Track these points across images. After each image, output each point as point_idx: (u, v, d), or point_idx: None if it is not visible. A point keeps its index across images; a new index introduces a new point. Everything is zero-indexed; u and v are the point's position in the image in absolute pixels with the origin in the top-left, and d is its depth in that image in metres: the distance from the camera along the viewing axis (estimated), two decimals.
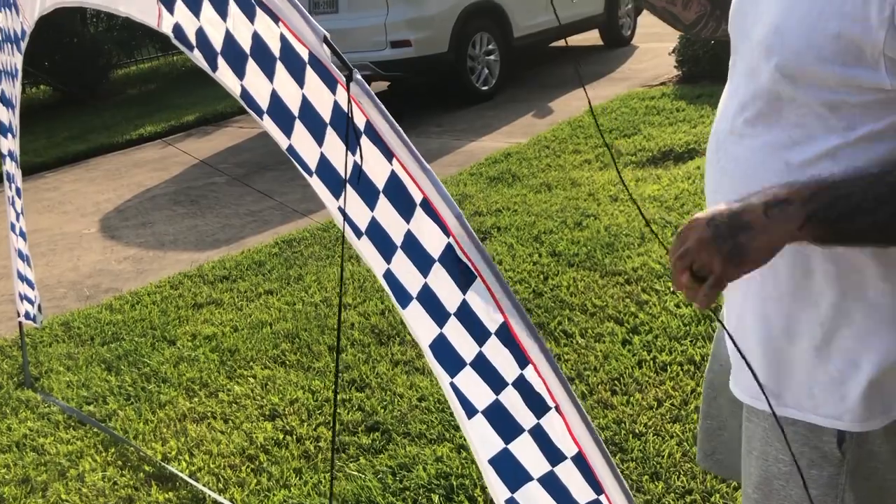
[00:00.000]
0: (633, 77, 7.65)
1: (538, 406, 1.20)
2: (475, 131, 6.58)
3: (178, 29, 1.52)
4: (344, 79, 1.21)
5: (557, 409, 1.18)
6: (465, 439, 2.56)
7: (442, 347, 1.32)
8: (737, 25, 1.05)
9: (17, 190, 3.13)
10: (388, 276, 1.37)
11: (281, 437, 2.79)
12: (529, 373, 1.18)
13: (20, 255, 3.26)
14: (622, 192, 4.57)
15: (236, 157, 6.86)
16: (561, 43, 9.03)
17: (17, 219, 3.19)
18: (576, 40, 9.47)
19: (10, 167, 3.09)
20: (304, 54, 1.27)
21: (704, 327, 3.04)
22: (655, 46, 8.83)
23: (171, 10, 1.51)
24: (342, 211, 1.34)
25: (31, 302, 3.35)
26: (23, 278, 3.33)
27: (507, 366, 1.22)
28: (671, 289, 3.39)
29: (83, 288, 4.48)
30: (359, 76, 1.21)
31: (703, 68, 6.74)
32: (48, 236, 5.43)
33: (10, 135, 3.04)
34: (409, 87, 8.16)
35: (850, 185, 0.85)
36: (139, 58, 12.46)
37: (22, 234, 3.22)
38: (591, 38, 9.45)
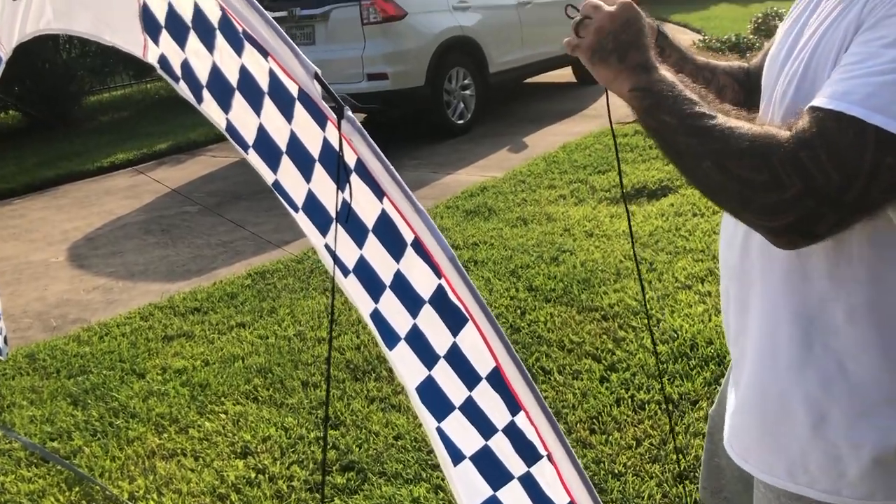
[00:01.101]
0: (605, 114, 7.73)
1: (529, 454, 1.17)
2: (451, 164, 6.60)
3: (163, 60, 1.49)
4: (335, 116, 1.19)
5: (549, 457, 1.15)
6: (443, 479, 2.51)
7: (430, 391, 1.29)
8: (766, 96, 1.09)
9: None
10: (376, 315, 1.33)
11: (253, 475, 2.72)
12: (521, 420, 1.15)
13: None
14: (597, 228, 4.58)
15: (209, 187, 6.80)
16: (537, 79, 9.13)
17: None
18: (550, 77, 9.57)
19: None
20: (294, 90, 1.25)
21: (682, 365, 3.03)
22: None
23: (156, 41, 1.48)
24: (329, 249, 1.31)
25: None
26: None
27: (497, 412, 1.19)
28: (648, 326, 3.39)
29: (49, 318, 4.37)
30: (349, 113, 1.19)
31: None
32: (14, 265, 5.31)
33: None
34: (386, 120, 8.17)
35: (681, 104, 0.94)
36: (112, 85, 12.36)
37: None
38: (565, 75, 9.57)
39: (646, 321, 3.42)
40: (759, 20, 8.36)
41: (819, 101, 0.86)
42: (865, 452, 0.98)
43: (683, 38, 10.95)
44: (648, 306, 3.55)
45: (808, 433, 1.02)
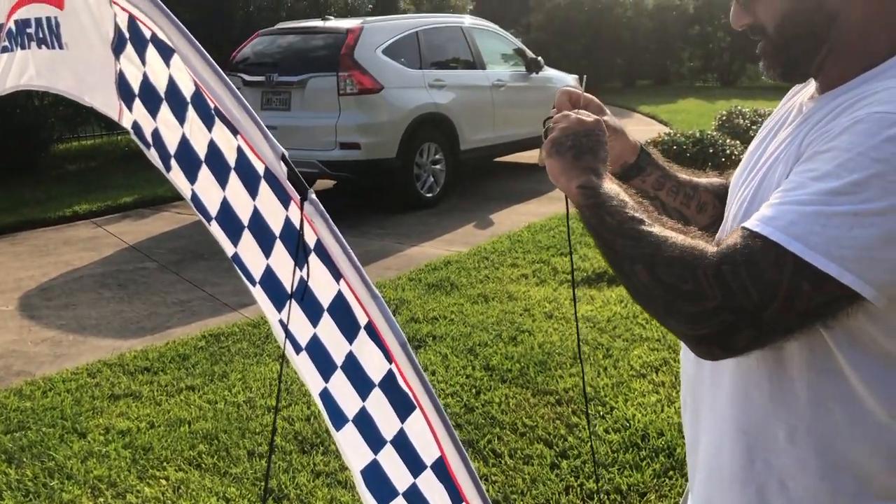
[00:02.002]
0: None
1: None
2: (417, 236, 6.64)
3: (136, 126, 1.51)
4: (298, 196, 1.21)
5: None
6: None
7: (374, 475, 1.27)
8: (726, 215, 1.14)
9: None
10: (325, 395, 1.33)
11: None
12: None
13: None
14: (556, 310, 4.62)
15: (171, 243, 6.74)
16: (507, 158, 9.31)
17: None
18: (519, 157, 9.77)
19: None
20: (260, 168, 1.27)
21: (632, 455, 3.04)
22: None
23: (129, 108, 1.50)
24: (283, 325, 1.31)
25: None
26: None
27: (440, 501, 1.18)
28: (601, 413, 3.39)
29: None
30: (313, 196, 1.21)
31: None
32: None
33: None
34: (355, 189, 8.25)
35: (620, 208, 0.99)
36: (83, 134, 12.31)
37: None
38: (535, 156, 9.76)
39: (600, 407, 3.43)
40: (724, 117, 8.67)
41: (750, 222, 0.90)
42: None
43: (651, 129, 11.29)
44: (602, 393, 3.57)
45: None
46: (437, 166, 7.74)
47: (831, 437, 0.97)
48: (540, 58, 9.11)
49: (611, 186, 1.05)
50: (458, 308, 4.75)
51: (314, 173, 7.09)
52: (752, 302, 0.86)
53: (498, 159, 9.26)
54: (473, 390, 3.66)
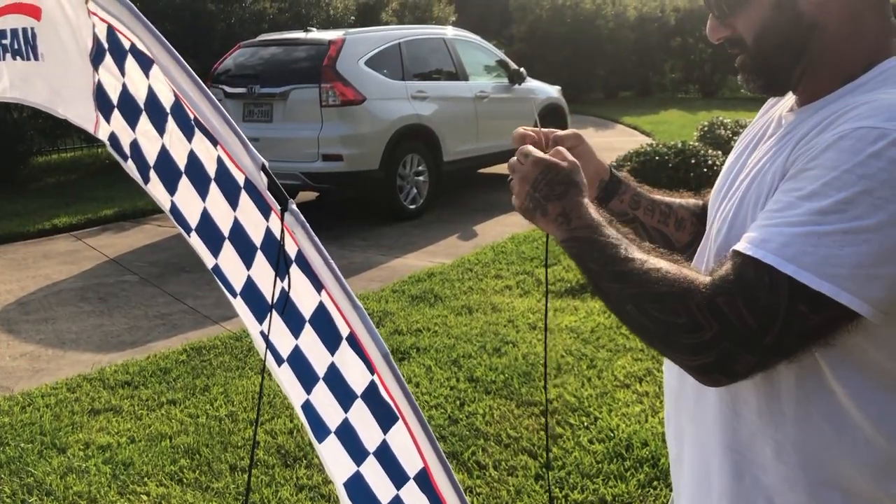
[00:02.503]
0: None
1: None
2: (400, 248, 6.63)
3: (113, 138, 1.49)
4: (279, 207, 1.20)
5: None
6: None
7: (357, 487, 1.26)
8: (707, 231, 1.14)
9: None
10: (307, 407, 1.32)
11: None
12: None
13: None
14: (540, 321, 4.62)
15: (152, 256, 6.69)
16: (490, 169, 9.33)
17: None
18: (502, 169, 9.79)
19: None
20: (241, 179, 1.26)
21: (616, 465, 3.03)
22: None
23: (107, 119, 1.49)
24: (265, 336, 1.30)
25: None
26: None
27: None
28: (585, 423, 3.39)
29: None
30: (293, 206, 1.21)
31: None
32: None
33: None
34: (338, 201, 8.23)
35: (602, 251, 0.98)
36: (63, 147, 12.21)
37: None
38: None
39: (584, 418, 3.43)
40: (706, 128, 8.72)
41: (740, 245, 0.90)
42: None
43: (633, 140, 11.36)
44: (586, 403, 3.57)
45: None
46: (421, 178, 7.74)
47: (818, 453, 0.97)
48: (522, 69, 9.15)
49: (585, 224, 1.02)
50: (442, 320, 4.74)
51: (297, 185, 7.06)
52: (751, 329, 0.86)
53: (481, 171, 9.27)
54: (457, 402, 3.65)
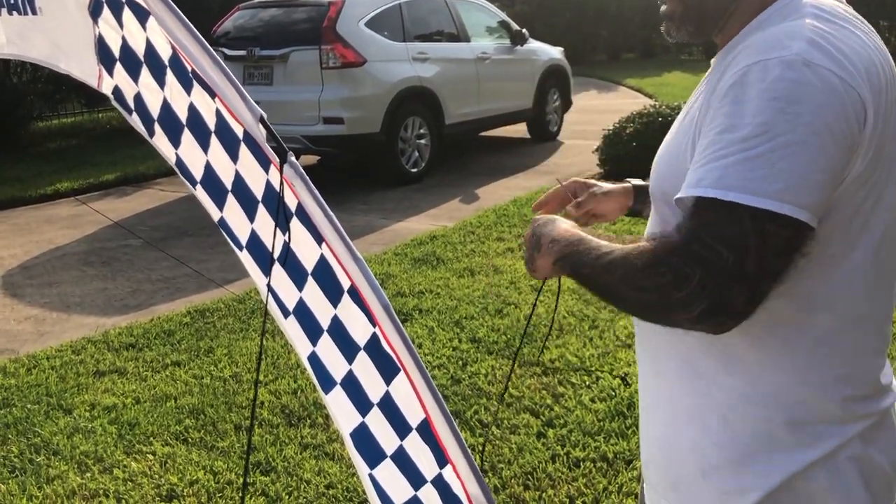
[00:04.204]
0: (557, 171, 7.89)
1: None
2: (402, 212, 6.62)
3: (117, 91, 1.48)
4: (278, 159, 1.19)
5: None
6: None
7: (363, 437, 1.27)
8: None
9: None
10: (313, 359, 1.32)
11: None
12: (448, 473, 1.15)
13: None
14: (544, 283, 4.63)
15: (155, 221, 6.69)
16: (492, 132, 9.28)
17: None
18: (504, 132, 9.74)
19: None
20: (239, 131, 1.25)
21: (618, 424, 3.06)
22: (580, 143, 9.17)
23: (110, 73, 1.47)
24: (269, 288, 1.30)
25: None
26: None
27: (426, 463, 1.18)
28: (587, 382, 3.41)
29: None
30: (293, 158, 1.20)
31: (625, 167, 7.00)
32: None
33: None
34: (339, 164, 8.20)
35: (588, 254, 1.06)
36: (63, 112, 12.15)
37: None
38: (519, 130, 9.74)
39: (585, 378, 3.45)
40: None
41: (682, 191, 0.96)
42: (750, 497, 1.06)
43: (636, 102, 11.28)
44: (588, 363, 3.59)
45: (699, 477, 1.10)
46: (422, 141, 7.70)
47: (766, 369, 1.04)
48: (525, 30, 9.05)
49: (570, 241, 1.11)
50: (444, 282, 4.75)
51: (298, 149, 7.02)
52: (729, 260, 0.90)
53: (483, 133, 9.22)
54: (460, 362, 3.67)
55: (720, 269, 0.90)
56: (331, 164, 8.34)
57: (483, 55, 8.35)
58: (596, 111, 11.55)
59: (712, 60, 1.14)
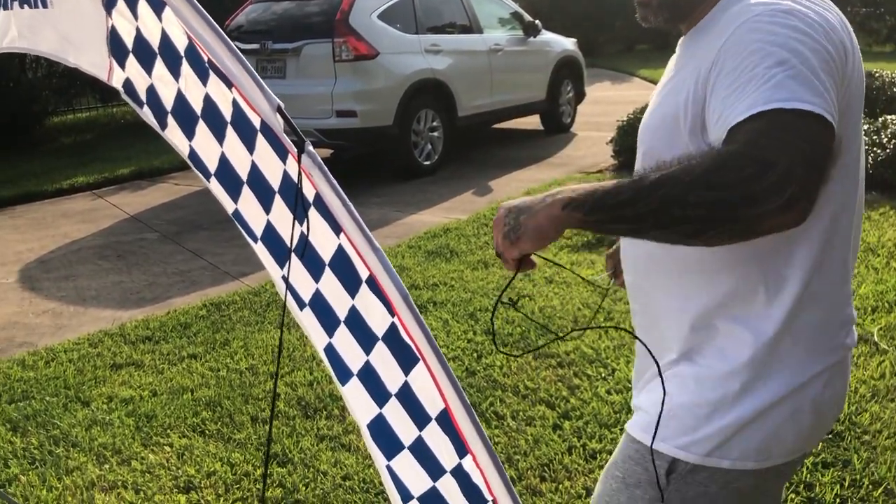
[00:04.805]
0: (570, 163, 7.86)
1: (476, 498, 1.16)
2: (415, 204, 6.61)
3: (128, 84, 1.48)
4: (295, 149, 1.18)
5: (494, 502, 1.14)
6: None
7: (380, 428, 1.27)
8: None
9: None
10: (329, 350, 1.32)
11: None
12: (468, 463, 1.14)
13: None
14: (557, 275, 4.62)
15: (170, 214, 6.72)
16: (505, 124, 9.25)
17: None
18: (517, 124, 9.71)
19: None
20: (256, 122, 1.25)
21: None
22: (594, 135, 9.12)
23: (122, 65, 1.47)
24: (286, 280, 1.30)
25: None
26: None
27: (445, 453, 1.17)
28: (603, 375, 3.40)
29: None
30: (310, 148, 1.19)
31: None
32: None
33: None
34: (352, 157, 8.20)
35: (618, 186, 1.02)
36: (77, 107, 12.21)
37: None
38: (532, 122, 9.70)
39: (601, 369, 3.44)
40: None
41: (743, 114, 0.99)
42: (732, 413, 1.17)
43: (650, 93, 11.19)
44: (604, 355, 3.57)
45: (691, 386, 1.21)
46: (435, 133, 7.68)
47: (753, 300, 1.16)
48: (537, 21, 9.01)
49: (576, 186, 1.08)
50: (459, 274, 4.75)
51: (311, 142, 7.02)
52: (806, 150, 0.94)
53: (496, 126, 9.19)
54: (475, 354, 3.67)
55: (802, 156, 0.93)
56: (344, 157, 8.34)
57: (496, 47, 8.32)
58: (610, 102, 11.48)
59: (679, 46, 1.24)
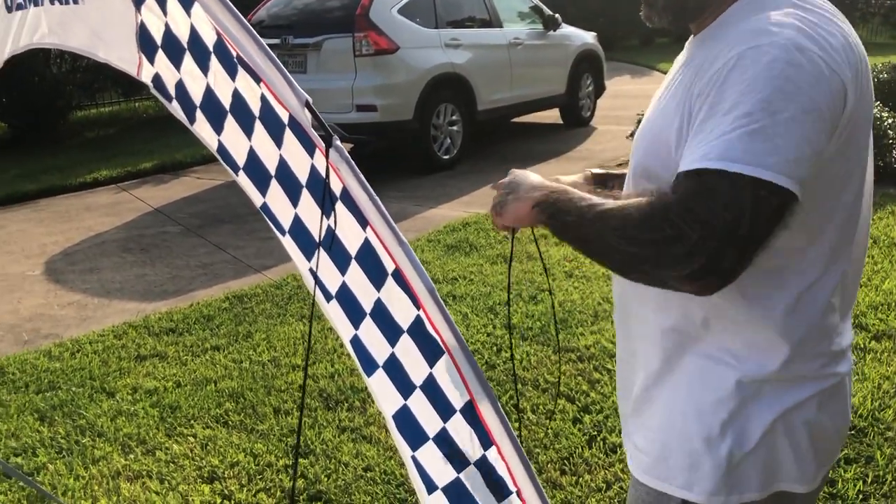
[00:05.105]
0: (590, 157, 7.84)
1: (499, 489, 1.17)
2: (434, 199, 6.63)
3: (157, 79, 1.50)
4: (323, 144, 1.20)
5: (518, 493, 1.15)
6: None
7: (405, 420, 1.29)
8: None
9: None
10: (355, 342, 1.34)
11: (218, 501, 2.69)
12: (493, 455, 1.16)
13: None
14: (577, 269, 4.62)
15: (192, 208, 6.78)
16: (524, 118, 9.24)
17: None
18: (536, 118, 9.69)
19: None
20: (285, 116, 1.26)
21: None
22: (614, 129, 9.09)
23: (151, 61, 1.50)
24: (313, 273, 1.31)
25: None
26: None
27: (470, 445, 1.19)
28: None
29: (21, 332, 4.32)
30: (338, 143, 1.21)
31: None
32: None
33: None
34: (372, 152, 8.22)
35: (576, 203, 1.08)
36: (101, 101, 12.33)
37: None
38: (552, 116, 9.68)
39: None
40: None
41: (688, 165, 0.99)
42: (723, 448, 1.14)
43: None
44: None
45: (682, 429, 1.18)
46: (454, 128, 7.69)
47: (738, 330, 1.14)
48: (557, 15, 8.98)
49: (555, 189, 1.14)
50: (478, 268, 4.76)
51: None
52: (727, 223, 0.94)
53: (515, 120, 9.18)
54: (495, 348, 3.68)
55: (718, 230, 0.94)
56: (365, 151, 8.37)
57: (515, 41, 8.31)
58: (629, 96, 11.43)
59: (687, 45, 1.21)
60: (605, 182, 1.45)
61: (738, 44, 1.01)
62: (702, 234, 0.94)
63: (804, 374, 1.14)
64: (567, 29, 9.22)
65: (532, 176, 1.23)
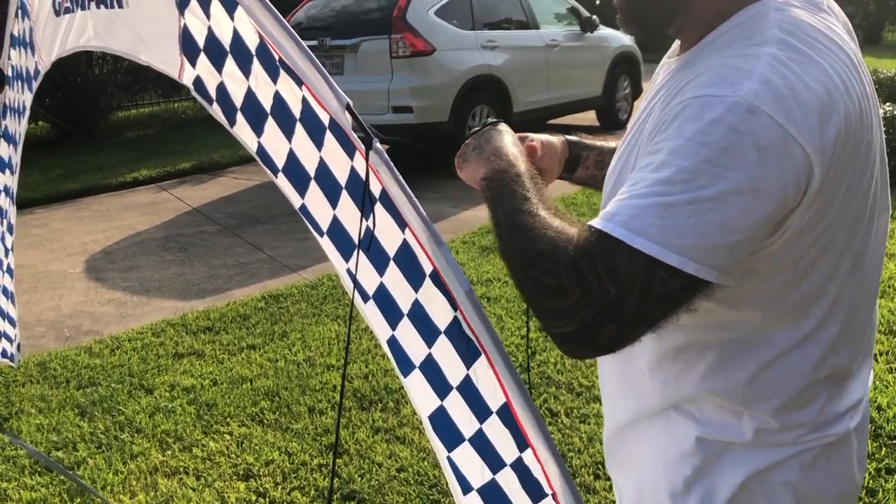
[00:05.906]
0: None
1: (535, 492, 1.17)
2: (469, 200, 6.63)
3: (198, 82, 1.53)
4: (363, 147, 1.21)
5: (554, 496, 1.15)
6: None
7: (441, 420, 1.29)
8: None
9: (10, 226, 3.10)
10: (392, 342, 1.35)
11: (254, 498, 2.72)
12: (528, 457, 1.16)
13: (4, 291, 3.21)
14: None
15: (229, 208, 6.86)
16: (561, 120, 9.20)
17: (6, 255, 3.14)
18: (573, 119, 9.64)
19: (5, 203, 3.07)
20: (325, 119, 1.28)
21: None
22: None
23: (193, 64, 1.52)
24: (351, 274, 1.32)
25: (10, 340, 3.28)
26: (4, 315, 3.27)
27: (506, 447, 1.19)
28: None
29: (63, 329, 4.41)
30: (378, 145, 1.22)
31: None
32: (32, 273, 5.36)
33: (8, 171, 3.03)
34: (408, 153, 8.25)
35: (516, 196, 0.99)
36: (141, 102, 12.54)
37: (9, 271, 3.18)
38: (589, 118, 9.63)
39: None
40: None
41: (596, 220, 0.88)
42: None
43: None
44: None
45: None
46: None
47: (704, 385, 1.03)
48: (595, 17, 8.94)
49: (510, 169, 1.06)
50: None
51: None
52: (611, 296, 0.84)
53: (551, 121, 9.15)
54: (529, 350, 3.67)
55: (598, 301, 0.84)
56: (401, 152, 8.40)
57: (552, 42, 8.28)
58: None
59: (675, 61, 1.07)
60: (580, 152, 1.38)
61: (697, 87, 0.88)
62: (580, 299, 0.84)
63: (781, 441, 1.01)
64: (604, 31, 9.17)
65: (502, 137, 1.16)
